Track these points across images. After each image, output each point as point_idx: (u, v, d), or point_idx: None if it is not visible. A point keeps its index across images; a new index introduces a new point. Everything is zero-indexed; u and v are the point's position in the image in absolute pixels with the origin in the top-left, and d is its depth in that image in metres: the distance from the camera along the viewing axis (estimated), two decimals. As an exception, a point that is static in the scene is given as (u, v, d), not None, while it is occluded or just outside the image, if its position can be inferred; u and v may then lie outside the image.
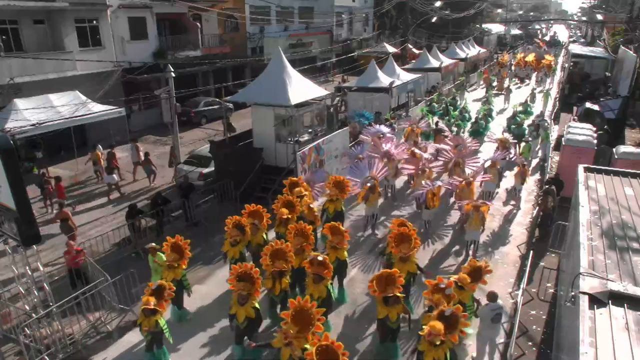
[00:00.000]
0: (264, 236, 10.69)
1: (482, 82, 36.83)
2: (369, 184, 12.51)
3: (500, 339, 8.57)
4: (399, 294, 7.76)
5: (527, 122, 21.47)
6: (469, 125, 21.74)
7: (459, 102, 26.73)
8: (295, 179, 12.69)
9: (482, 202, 11.41)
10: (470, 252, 11.59)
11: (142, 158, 17.47)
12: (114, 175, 16.29)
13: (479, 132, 20.01)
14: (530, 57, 42.44)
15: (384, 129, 17.51)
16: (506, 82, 34.22)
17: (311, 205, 11.58)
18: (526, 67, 40.94)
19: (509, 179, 16.27)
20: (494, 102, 26.56)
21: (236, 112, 27.15)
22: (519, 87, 36.28)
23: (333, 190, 12.07)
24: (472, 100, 29.80)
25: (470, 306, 8.27)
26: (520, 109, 23.38)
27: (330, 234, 9.83)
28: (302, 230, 9.79)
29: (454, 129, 21.38)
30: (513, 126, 20.30)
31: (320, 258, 8.49)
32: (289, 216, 10.81)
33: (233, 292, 7.97)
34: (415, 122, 19.22)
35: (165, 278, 8.99)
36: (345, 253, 9.89)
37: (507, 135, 18.84)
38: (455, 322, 6.76)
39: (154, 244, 9.96)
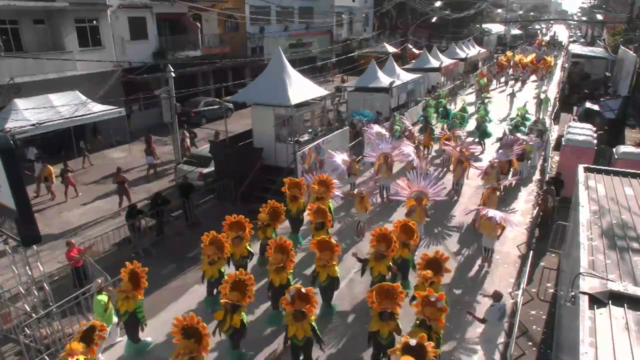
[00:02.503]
0: (248, 247, 10.26)
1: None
2: (362, 191, 12.55)
3: (501, 338, 8.56)
4: (396, 312, 7.35)
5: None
6: (466, 126, 21.85)
7: (452, 107, 26.66)
8: (296, 179, 12.69)
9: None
10: (487, 258, 11.36)
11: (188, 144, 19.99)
12: (152, 157, 18.49)
13: (487, 134, 20.44)
14: (529, 58, 42.33)
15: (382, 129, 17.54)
16: (509, 87, 33.08)
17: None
18: (525, 70, 40.81)
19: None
20: (490, 102, 26.28)
21: (236, 112, 27.20)
22: (520, 90, 36.05)
23: (319, 188, 12.21)
24: (470, 102, 29.62)
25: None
26: (521, 112, 23.30)
27: (318, 250, 9.18)
28: (282, 246, 9.17)
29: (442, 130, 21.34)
30: (510, 127, 20.48)
31: (303, 291, 7.46)
32: (269, 222, 10.75)
33: (176, 350, 6.71)
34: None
35: (119, 309, 8.32)
36: (336, 269, 9.29)
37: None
38: (423, 352, 6.30)
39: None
